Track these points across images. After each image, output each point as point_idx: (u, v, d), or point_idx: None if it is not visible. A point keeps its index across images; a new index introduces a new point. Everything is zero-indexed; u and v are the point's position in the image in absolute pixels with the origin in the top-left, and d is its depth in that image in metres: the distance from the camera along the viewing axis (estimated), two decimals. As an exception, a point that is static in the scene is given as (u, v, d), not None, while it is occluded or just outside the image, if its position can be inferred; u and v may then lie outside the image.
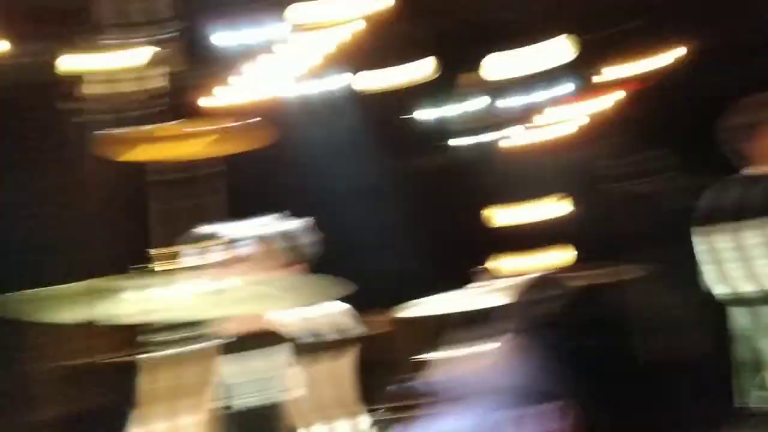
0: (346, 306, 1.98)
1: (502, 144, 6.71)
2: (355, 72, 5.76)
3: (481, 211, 6.99)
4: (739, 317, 2.57)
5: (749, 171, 2.99)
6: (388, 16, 4.66)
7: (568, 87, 6.12)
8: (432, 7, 5.18)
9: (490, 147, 6.85)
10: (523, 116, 6.45)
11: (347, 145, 6.10)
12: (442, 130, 6.64)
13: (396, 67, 5.74)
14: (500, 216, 6.91)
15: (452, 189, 6.90)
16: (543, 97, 6.21)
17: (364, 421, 2.01)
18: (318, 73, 5.41)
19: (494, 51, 5.65)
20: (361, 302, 1.93)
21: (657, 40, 5.86)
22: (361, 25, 4.68)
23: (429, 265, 6.31)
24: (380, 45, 5.26)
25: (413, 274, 6.08)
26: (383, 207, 6.36)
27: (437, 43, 5.58)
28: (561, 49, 5.44)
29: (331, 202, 6.03)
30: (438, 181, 6.93)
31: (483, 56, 5.70)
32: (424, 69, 5.75)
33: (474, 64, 5.96)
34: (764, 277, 2.51)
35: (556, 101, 6.19)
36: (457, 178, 6.95)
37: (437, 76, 6.00)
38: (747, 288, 2.52)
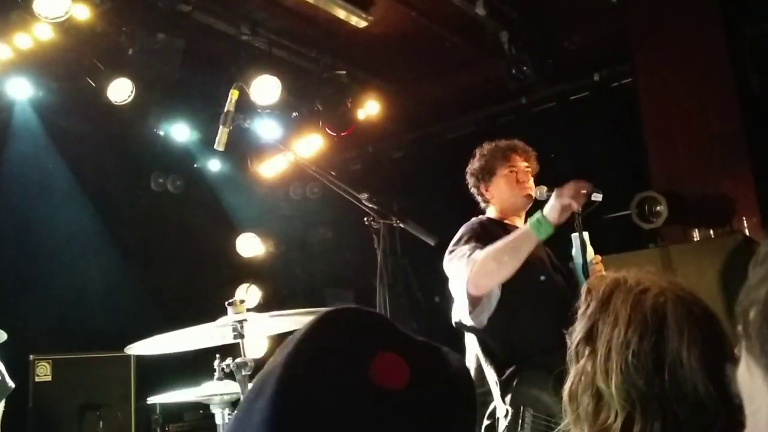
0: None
1: (257, 170, 6.47)
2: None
3: (231, 238, 6.68)
4: None
5: (491, 213, 3.10)
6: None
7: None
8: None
9: (241, 172, 6.57)
10: (280, 143, 6.27)
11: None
12: (191, 150, 6.22)
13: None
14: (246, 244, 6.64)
15: (199, 214, 6.51)
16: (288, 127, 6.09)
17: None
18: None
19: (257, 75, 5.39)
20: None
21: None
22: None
23: (173, 296, 5.86)
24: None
25: (151, 307, 5.60)
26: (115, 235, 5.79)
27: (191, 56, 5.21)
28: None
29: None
30: (184, 204, 6.50)
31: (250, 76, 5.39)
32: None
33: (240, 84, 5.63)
34: None
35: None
36: (204, 202, 6.58)
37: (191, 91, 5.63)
38: None
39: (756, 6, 4.90)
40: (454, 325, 2.88)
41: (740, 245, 4.20)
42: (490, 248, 2.66)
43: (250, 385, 2.51)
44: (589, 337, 1.31)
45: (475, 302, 2.70)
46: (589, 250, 2.74)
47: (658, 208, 4.70)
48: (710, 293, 3.79)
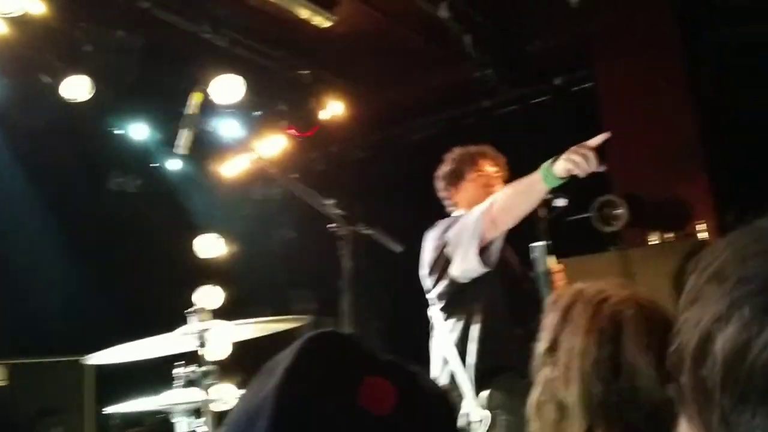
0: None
1: (218, 170, 6.39)
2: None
3: (192, 239, 6.57)
4: None
5: (456, 214, 3.11)
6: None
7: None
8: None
9: (202, 172, 6.48)
10: (242, 143, 6.21)
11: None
12: (150, 149, 6.11)
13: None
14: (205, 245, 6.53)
15: (159, 214, 6.40)
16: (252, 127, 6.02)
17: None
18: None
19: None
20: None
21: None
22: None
23: (133, 298, 5.74)
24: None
25: (110, 309, 5.47)
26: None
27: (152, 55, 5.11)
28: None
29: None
30: (143, 204, 6.38)
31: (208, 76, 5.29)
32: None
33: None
34: None
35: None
36: (163, 203, 6.46)
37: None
38: None
39: (714, 13, 5.01)
40: (441, 309, 2.88)
41: (696, 248, 4.28)
42: (506, 189, 2.77)
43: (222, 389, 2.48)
44: (552, 348, 1.31)
45: (484, 247, 2.72)
46: (550, 259, 2.77)
47: (617, 211, 4.77)
48: (667, 297, 3.86)
